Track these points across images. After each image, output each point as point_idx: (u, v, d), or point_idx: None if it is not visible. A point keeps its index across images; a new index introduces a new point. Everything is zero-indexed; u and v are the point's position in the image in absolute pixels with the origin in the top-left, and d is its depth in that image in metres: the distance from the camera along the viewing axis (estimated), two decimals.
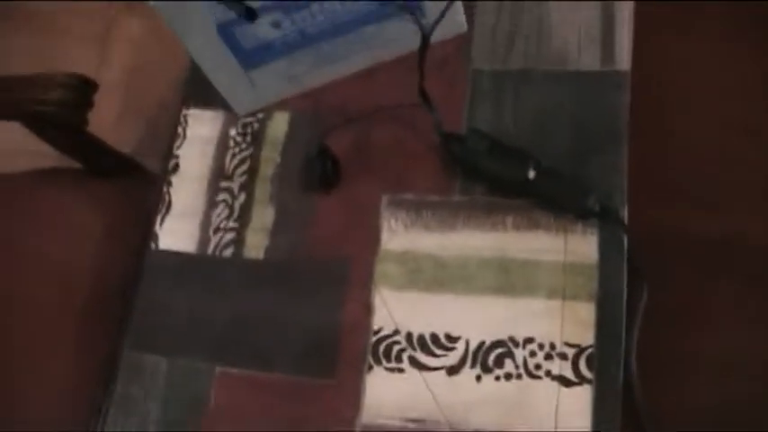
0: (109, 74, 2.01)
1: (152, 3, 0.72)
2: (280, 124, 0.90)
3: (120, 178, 1.29)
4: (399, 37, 0.84)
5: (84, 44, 2.07)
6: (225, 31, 0.80)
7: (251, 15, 0.70)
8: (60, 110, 1.15)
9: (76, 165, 1.20)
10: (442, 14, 0.77)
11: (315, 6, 0.80)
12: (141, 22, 2.05)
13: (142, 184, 1.32)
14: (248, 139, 0.90)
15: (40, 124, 1.10)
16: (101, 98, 1.94)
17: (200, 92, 0.90)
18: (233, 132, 0.91)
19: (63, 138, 1.18)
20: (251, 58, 0.84)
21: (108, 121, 1.88)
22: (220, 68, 0.85)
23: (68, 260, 1.05)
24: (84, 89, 1.21)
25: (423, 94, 0.80)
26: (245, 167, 0.89)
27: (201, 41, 0.80)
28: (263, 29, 0.81)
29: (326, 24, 0.82)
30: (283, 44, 0.83)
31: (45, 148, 1.15)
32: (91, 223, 1.15)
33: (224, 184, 0.88)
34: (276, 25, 0.81)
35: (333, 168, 0.84)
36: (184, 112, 0.93)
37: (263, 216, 0.86)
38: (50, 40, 2.09)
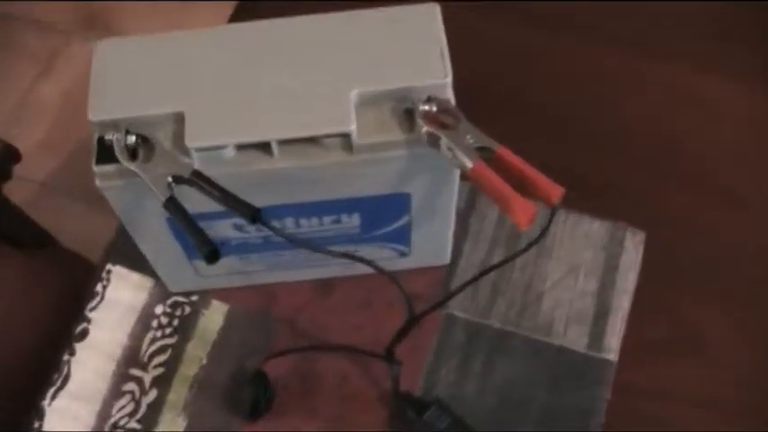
0: (43, 90, 1.85)
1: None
2: (215, 317, 0.78)
3: (30, 250, 1.16)
4: (373, 257, 0.73)
5: (27, 56, 1.90)
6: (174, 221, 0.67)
7: (213, 257, 0.58)
8: None
9: None
10: None
11: (288, 221, 0.68)
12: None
13: (56, 260, 1.19)
14: (175, 323, 0.77)
15: None
16: (28, 115, 1.80)
17: (130, 250, 0.76)
18: (159, 310, 0.78)
19: None
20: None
21: (30, 144, 1.72)
22: (161, 251, 0.72)
23: None
24: (4, 158, 1.08)
25: (390, 355, 0.69)
26: (164, 358, 0.76)
27: (145, 225, 0.68)
28: (223, 228, 0.69)
29: (298, 237, 0.70)
30: (241, 245, 0.71)
31: None
32: None
33: (135, 371, 0.76)
34: (239, 228, 0.69)
35: (265, 397, 0.72)
36: (108, 266, 0.80)
37: (172, 426, 0.73)
38: None
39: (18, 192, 1.05)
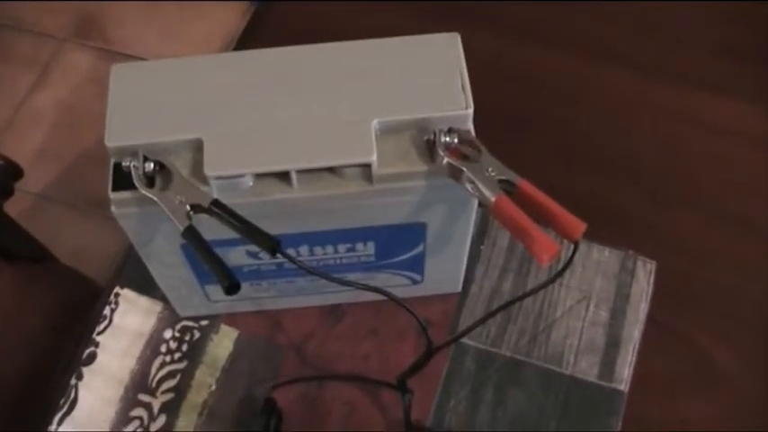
0: (38, 100, 1.83)
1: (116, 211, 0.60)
2: (224, 342, 0.77)
3: (25, 264, 1.14)
4: (385, 285, 0.73)
5: (22, 65, 1.88)
6: (189, 248, 0.66)
7: (234, 289, 0.57)
8: None
9: None
10: None
11: (303, 249, 0.68)
12: (91, 61, 1.88)
13: (51, 275, 1.18)
14: (184, 348, 0.77)
15: None
16: (23, 124, 1.79)
17: (139, 272, 0.75)
18: (168, 335, 0.77)
19: None
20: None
21: (26, 153, 1.71)
22: (173, 277, 0.72)
23: None
24: (7, 175, 1.06)
25: (402, 384, 0.68)
26: (172, 383, 0.75)
27: (159, 251, 0.67)
28: (236, 255, 0.68)
29: (311, 264, 0.70)
30: (254, 272, 0.71)
31: None
32: None
33: (143, 397, 0.75)
34: (253, 255, 0.69)
35: (276, 425, 0.71)
36: (116, 290, 0.79)
37: None
38: None
39: (13, 203, 1.04)
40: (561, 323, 0.77)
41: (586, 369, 0.75)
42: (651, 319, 0.77)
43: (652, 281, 0.79)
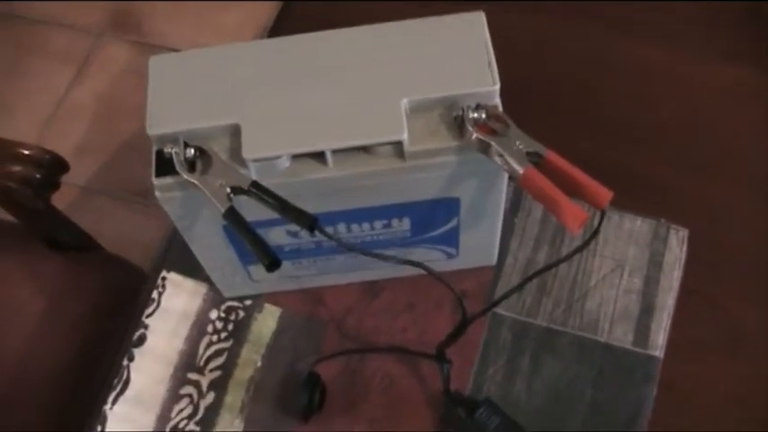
0: (78, 94, 1.87)
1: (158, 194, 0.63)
2: (268, 321, 0.80)
3: (73, 253, 1.18)
4: (421, 260, 0.75)
5: (61, 60, 1.92)
6: (230, 229, 0.69)
7: (274, 267, 0.60)
8: (22, 186, 1.04)
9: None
10: None
11: (341, 226, 0.70)
12: (128, 54, 1.92)
13: (97, 262, 1.22)
14: (230, 328, 0.79)
15: None
16: (64, 119, 1.83)
17: (184, 256, 0.78)
18: (214, 315, 0.80)
19: (17, 207, 1.06)
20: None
21: (68, 146, 1.75)
22: (216, 258, 0.74)
23: None
24: (53, 169, 1.10)
25: (441, 355, 0.70)
26: (219, 362, 0.78)
27: (202, 233, 0.70)
28: (277, 235, 0.71)
29: (349, 241, 0.72)
30: (294, 251, 0.73)
31: None
32: (29, 299, 1.04)
33: (192, 375, 0.78)
34: (293, 234, 0.71)
35: (319, 398, 0.74)
36: (163, 274, 0.82)
37: (229, 428, 0.75)
38: (27, 52, 1.94)
39: (58, 195, 1.07)
40: (595, 292, 0.78)
41: (621, 336, 0.77)
42: (683, 286, 0.78)
43: (685, 249, 0.80)
